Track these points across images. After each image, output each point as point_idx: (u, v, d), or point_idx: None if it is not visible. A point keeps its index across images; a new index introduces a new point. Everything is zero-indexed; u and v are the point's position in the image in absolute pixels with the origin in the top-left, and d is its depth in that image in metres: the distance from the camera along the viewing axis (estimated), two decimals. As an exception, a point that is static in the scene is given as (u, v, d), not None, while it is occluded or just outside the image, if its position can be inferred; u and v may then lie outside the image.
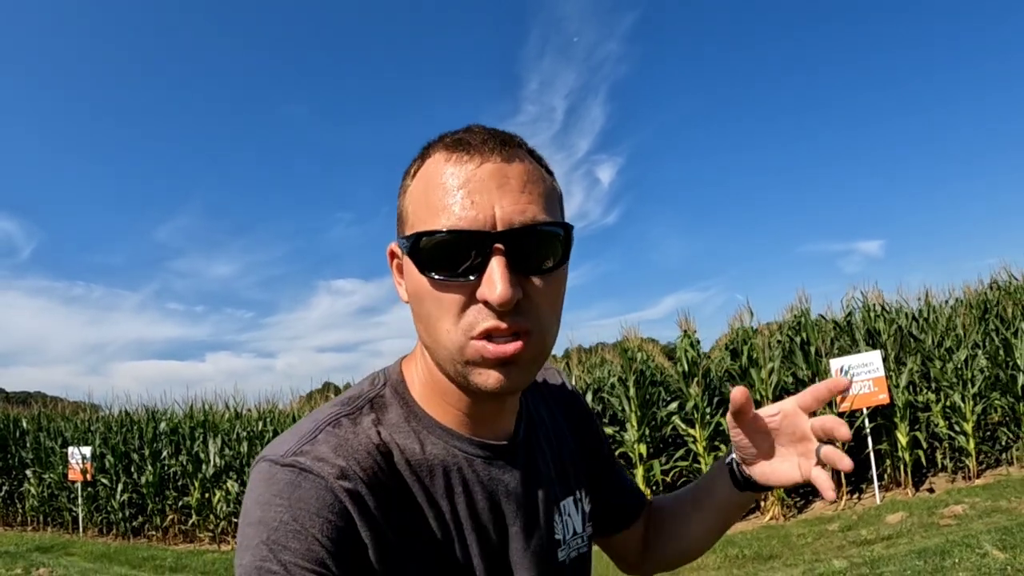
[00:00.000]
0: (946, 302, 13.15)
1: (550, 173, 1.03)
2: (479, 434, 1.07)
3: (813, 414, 1.16)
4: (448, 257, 0.92)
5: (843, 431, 1.07)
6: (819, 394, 1.14)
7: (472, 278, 0.92)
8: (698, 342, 11.94)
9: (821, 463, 1.12)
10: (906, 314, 12.43)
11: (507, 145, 0.97)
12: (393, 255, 1.07)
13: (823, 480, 1.10)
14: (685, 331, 11.98)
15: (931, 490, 10.48)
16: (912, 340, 11.73)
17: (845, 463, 1.07)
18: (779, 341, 12.04)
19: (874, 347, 11.40)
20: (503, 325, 0.92)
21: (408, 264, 0.98)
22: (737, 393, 1.14)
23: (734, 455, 1.25)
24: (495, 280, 0.89)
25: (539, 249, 0.94)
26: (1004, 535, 7.35)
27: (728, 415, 1.19)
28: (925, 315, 12.29)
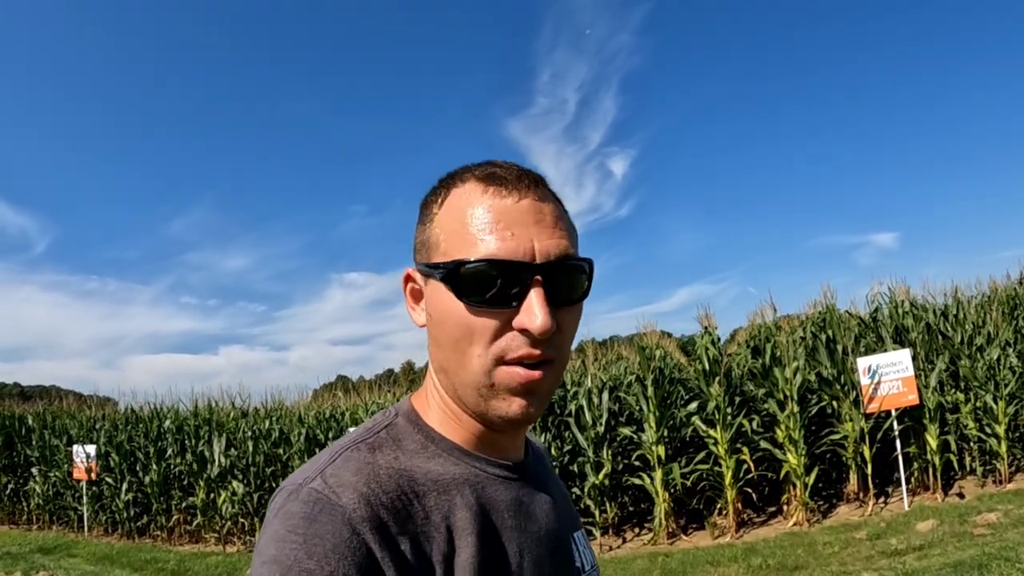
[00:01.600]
0: (973, 298, 12.72)
1: (567, 212, 1.08)
2: (493, 455, 1.07)
3: None
4: (488, 285, 0.94)
5: None
6: None
7: (514, 305, 0.95)
8: (718, 339, 11.54)
9: None
10: (934, 310, 12.03)
11: (539, 184, 1.02)
12: (409, 279, 1.09)
13: None
14: (706, 328, 11.59)
15: (960, 495, 10.10)
16: (940, 338, 11.33)
17: None
18: (802, 338, 11.66)
19: (902, 345, 11.04)
20: (536, 352, 0.95)
21: (438, 289, 0.99)
22: None
23: None
24: (536, 311, 0.93)
25: (570, 282, 1.00)
26: (1044, 547, 6.99)
27: None
28: (954, 311, 11.88)
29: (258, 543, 0.89)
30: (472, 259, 0.95)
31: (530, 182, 1.01)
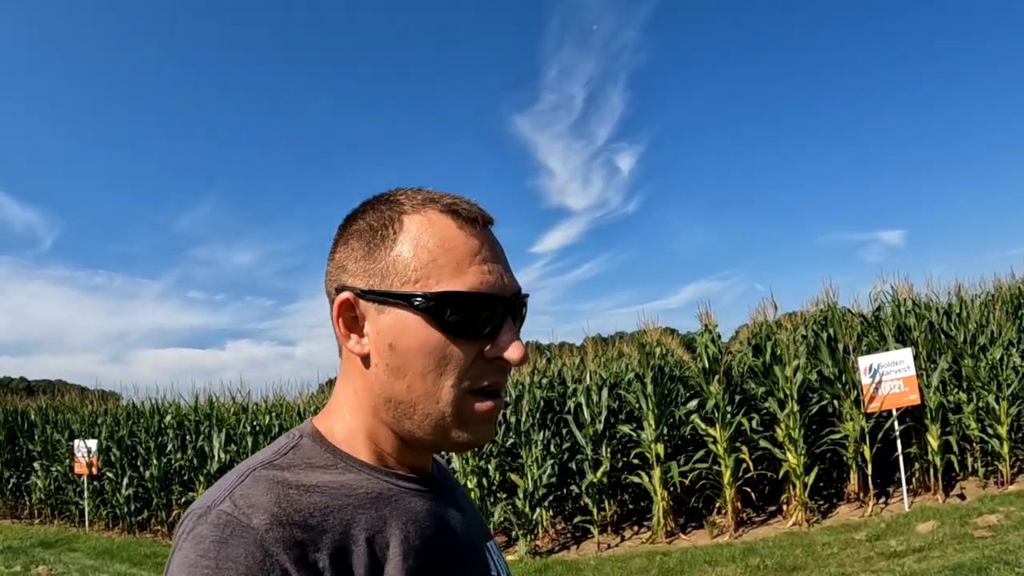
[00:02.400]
0: (977, 296, 12.63)
1: None
2: (402, 469, 1.06)
3: None
4: (474, 317, 0.97)
5: None
6: None
7: (486, 334, 0.98)
8: (719, 337, 11.48)
9: None
10: (936, 309, 11.96)
11: (490, 222, 1.06)
12: (348, 306, 1.02)
13: None
14: (706, 325, 11.52)
15: (962, 496, 10.04)
16: (943, 337, 11.26)
17: None
18: (803, 336, 11.60)
19: (904, 344, 10.98)
20: (503, 381, 1.01)
21: (405, 319, 0.98)
22: None
23: None
24: (514, 342, 0.99)
25: (524, 315, 1.07)
26: (1045, 550, 6.93)
27: None
28: (957, 310, 11.80)
29: (168, 569, 0.86)
30: (465, 292, 0.96)
31: (487, 219, 1.04)
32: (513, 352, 0.98)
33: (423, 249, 0.98)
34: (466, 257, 0.98)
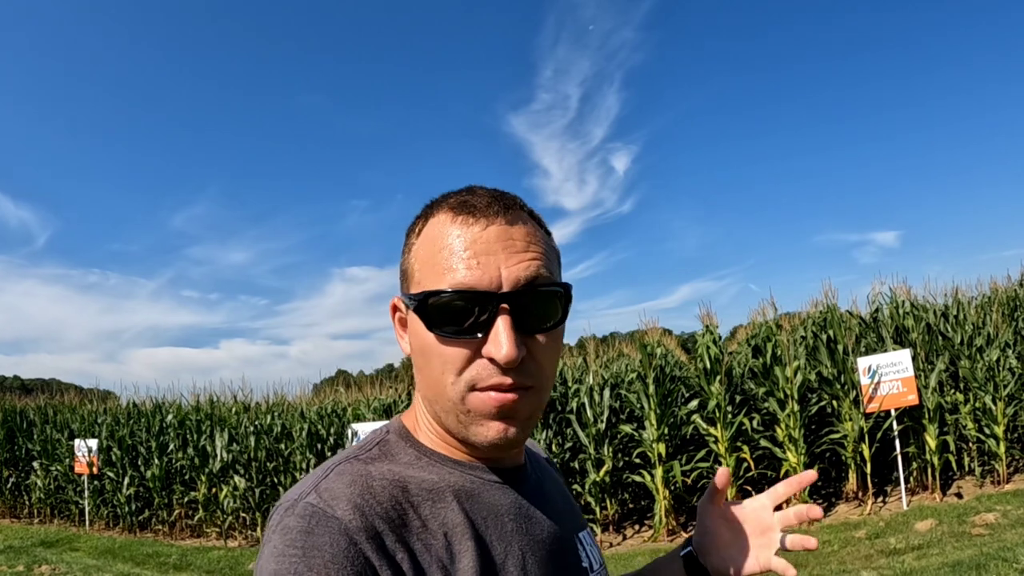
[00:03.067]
0: (974, 298, 12.75)
1: (548, 233, 1.08)
2: (489, 463, 1.07)
3: (779, 506, 1.26)
4: (455, 315, 0.95)
5: (817, 512, 1.22)
6: (788, 491, 1.26)
7: (479, 335, 0.95)
8: (720, 337, 11.58)
9: (784, 548, 1.21)
10: (934, 311, 12.07)
11: (510, 208, 1.01)
12: (396, 309, 1.10)
13: (784, 566, 1.19)
14: (707, 326, 11.62)
15: (959, 495, 10.15)
16: (941, 338, 11.37)
17: (811, 544, 1.20)
18: (803, 337, 11.70)
19: (902, 345, 11.09)
20: (507, 380, 0.95)
21: (414, 320, 1.01)
22: (722, 475, 1.23)
23: (692, 546, 1.29)
24: (502, 340, 0.93)
25: (541, 308, 0.98)
26: (1042, 548, 7.03)
27: (703, 498, 1.29)
28: (954, 312, 11.92)
29: (259, 560, 0.90)
30: (438, 290, 0.95)
31: (500, 207, 1.00)
32: (494, 349, 0.94)
33: (424, 250, 1.01)
34: (455, 254, 0.97)
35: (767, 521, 1.24)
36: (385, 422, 1.14)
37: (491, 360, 0.94)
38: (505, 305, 0.94)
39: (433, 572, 0.91)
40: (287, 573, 0.84)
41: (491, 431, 0.97)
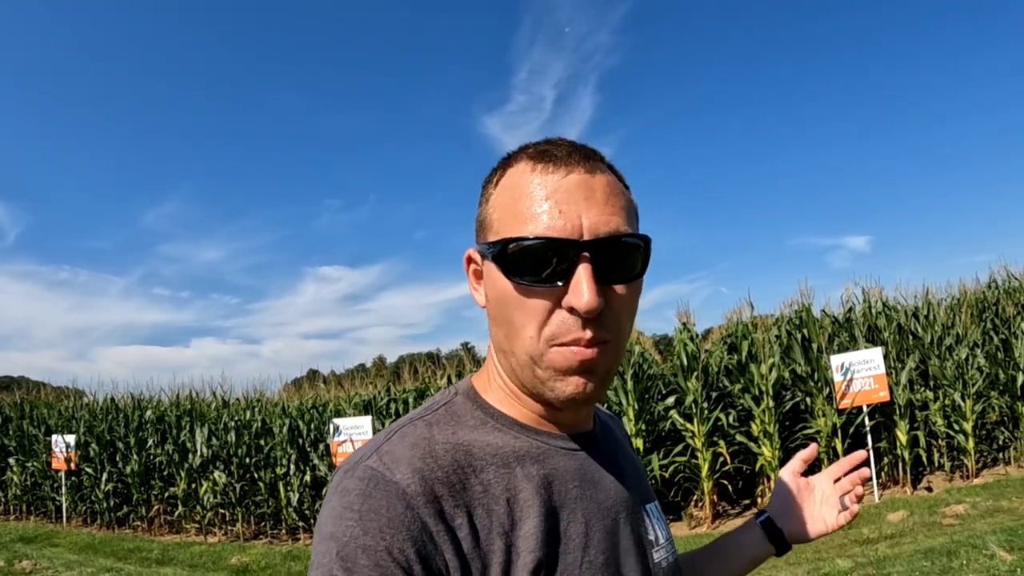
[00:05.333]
0: (944, 300, 13.07)
1: (627, 187, 1.06)
2: (557, 427, 1.06)
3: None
4: (536, 263, 0.93)
5: (866, 473, 1.47)
6: (844, 467, 1.49)
7: (559, 284, 0.93)
8: (697, 336, 11.80)
9: (844, 507, 1.44)
10: (905, 311, 12.37)
11: (591, 158, 1.00)
12: (471, 260, 1.08)
13: (847, 515, 1.44)
14: (684, 324, 11.84)
15: (929, 488, 10.41)
16: (911, 337, 11.66)
17: (857, 509, 1.44)
18: (777, 336, 11.94)
19: (874, 343, 11.33)
20: (587, 334, 0.93)
21: (491, 269, 0.99)
22: (811, 450, 1.49)
23: (769, 513, 1.46)
24: (583, 288, 0.91)
25: (622, 259, 0.97)
26: (1010, 536, 7.28)
27: (788, 468, 1.50)
28: (925, 313, 12.21)
29: (318, 521, 0.92)
30: (519, 237, 0.94)
31: (581, 157, 0.99)
32: (574, 297, 0.92)
33: (503, 199, 1.00)
34: (536, 202, 0.95)
35: (830, 490, 1.46)
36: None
37: (570, 311, 0.93)
38: (586, 253, 0.93)
39: (493, 538, 0.91)
40: (343, 535, 0.86)
41: (569, 386, 0.96)
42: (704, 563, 1.45)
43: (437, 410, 1.03)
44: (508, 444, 1.00)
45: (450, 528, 0.89)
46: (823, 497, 1.46)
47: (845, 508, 1.43)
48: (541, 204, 0.95)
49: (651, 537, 1.12)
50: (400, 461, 0.92)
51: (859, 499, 1.44)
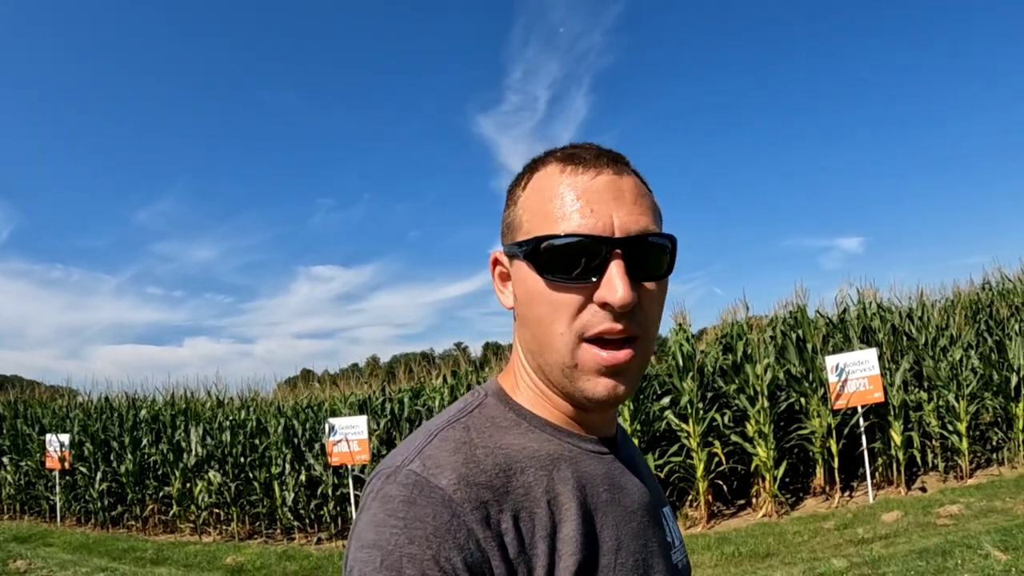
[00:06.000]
0: (938, 301, 13.12)
1: (650, 190, 1.08)
2: (585, 430, 1.07)
3: None
4: (569, 260, 0.95)
5: None
6: None
7: (594, 279, 0.95)
8: (692, 336, 11.83)
9: None
10: (900, 312, 12.41)
11: (618, 161, 1.03)
12: (497, 263, 1.10)
13: None
14: (680, 324, 11.87)
15: (923, 489, 10.44)
16: (906, 339, 11.70)
17: None
18: (772, 337, 11.97)
19: (868, 344, 11.36)
20: (618, 326, 0.95)
21: (522, 268, 1.01)
22: None
23: None
24: (616, 283, 0.93)
25: (651, 258, 0.99)
26: (1004, 536, 7.30)
27: None
28: (919, 314, 12.26)
29: (356, 526, 0.90)
30: (552, 235, 0.96)
31: (608, 160, 1.02)
32: (608, 292, 0.94)
33: (533, 200, 1.02)
34: (569, 201, 0.98)
35: None
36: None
37: (603, 306, 0.95)
38: (618, 251, 0.95)
39: (538, 541, 0.91)
40: (387, 544, 0.84)
41: (599, 387, 0.98)
42: None
43: (471, 412, 1.03)
44: (544, 447, 1.01)
45: (497, 534, 0.88)
46: None
47: None
48: (573, 204, 0.97)
49: (669, 539, 1.14)
50: (444, 466, 0.91)
51: None
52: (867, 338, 11.86)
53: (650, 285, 1.00)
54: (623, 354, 0.96)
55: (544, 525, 0.93)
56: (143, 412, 15.69)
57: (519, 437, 1.00)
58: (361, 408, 13.53)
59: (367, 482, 0.96)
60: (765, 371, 10.96)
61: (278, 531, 13.18)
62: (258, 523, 13.56)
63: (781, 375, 11.33)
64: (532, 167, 1.07)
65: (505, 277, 1.09)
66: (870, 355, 10.25)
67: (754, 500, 11.04)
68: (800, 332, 11.70)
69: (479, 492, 0.89)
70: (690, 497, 11.03)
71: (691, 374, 11.10)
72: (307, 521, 13.03)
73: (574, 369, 0.98)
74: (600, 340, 0.96)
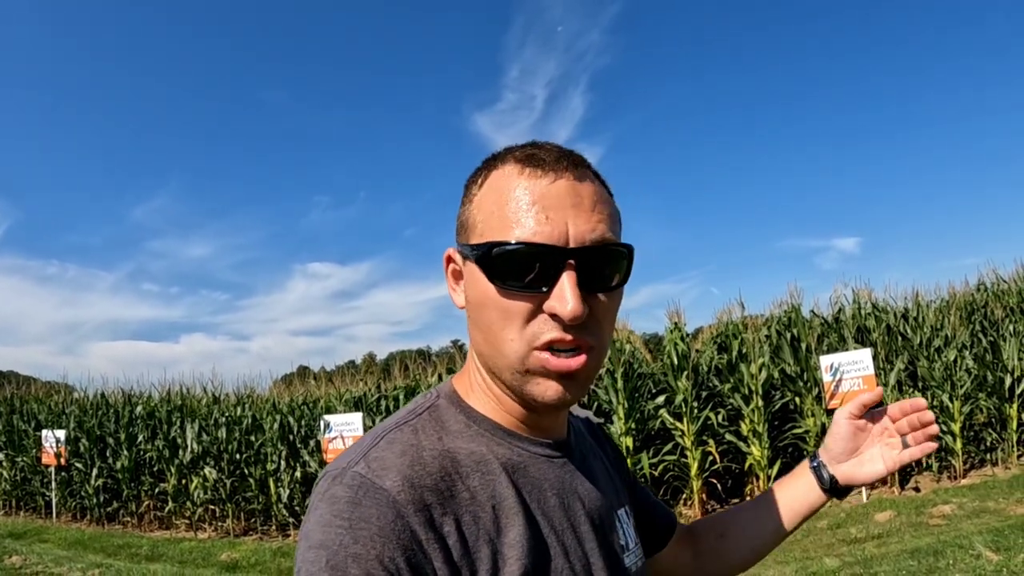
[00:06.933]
0: (932, 302, 13.15)
1: (611, 194, 1.06)
2: (537, 434, 1.06)
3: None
4: (520, 268, 0.94)
5: (922, 402, 1.31)
6: (906, 408, 1.31)
7: (544, 290, 0.94)
8: (687, 335, 11.85)
9: (906, 446, 1.30)
10: (894, 313, 12.43)
11: (578, 165, 1.00)
12: (450, 260, 1.08)
13: (916, 453, 1.30)
14: (675, 323, 11.89)
15: (916, 489, 10.46)
16: (900, 339, 11.72)
17: (934, 430, 1.29)
18: (767, 336, 11.99)
19: (863, 344, 11.39)
20: (568, 337, 0.94)
21: (473, 271, 0.99)
22: (876, 394, 1.34)
23: (821, 458, 1.39)
24: (567, 296, 0.92)
25: (607, 267, 0.98)
26: (996, 536, 7.32)
27: (844, 410, 1.37)
28: (914, 314, 12.28)
29: (304, 527, 0.90)
30: (504, 241, 0.94)
31: (569, 163, 0.99)
32: (558, 304, 0.93)
33: (488, 201, 0.99)
34: (523, 207, 0.95)
35: (884, 425, 1.33)
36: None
37: (553, 317, 0.94)
38: (572, 261, 0.93)
39: (480, 546, 0.92)
40: (333, 543, 0.84)
41: (549, 391, 0.97)
42: (752, 519, 1.43)
43: (421, 415, 1.03)
44: (492, 451, 1.00)
45: (440, 536, 0.89)
46: (879, 437, 1.34)
47: (906, 447, 1.30)
48: (528, 209, 0.95)
49: (622, 543, 1.14)
50: (389, 468, 0.91)
51: (932, 437, 1.29)
52: (862, 338, 11.89)
53: (603, 296, 0.98)
54: (574, 362, 0.95)
55: (488, 529, 0.93)
56: (139, 408, 15.68)
57: (468, 441, 1.00)
58: (356, 405, 13.55)
59: (316, 483, 0.96)
60: (760, 370, 10.99)
61: (273, 527, 13.21)
62: (253, 519, 13.57)
63: (776, 374, 11.35)
64: (490, 164, 1.04)
65: (458, 275, 1.07)
66: (864, 355, 10.26)
67: (748, 499, 11.05)
68: (795, 332, 11.72)
69: (423, 494, 0.90)
70: (684, 496, 11.05)
71: (686, 373, 11.13)
72: (302, 518, 13.01)
73: (524, 374, 0.97)
74: (550, 348, 0.95)
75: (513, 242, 0.94)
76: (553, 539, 0.99)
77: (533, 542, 0.96)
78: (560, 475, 1.06)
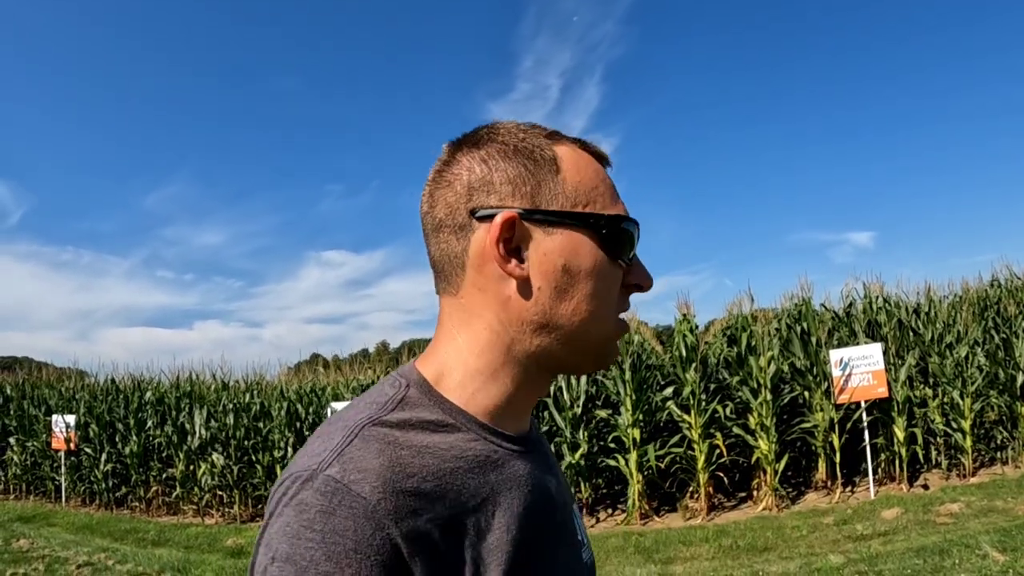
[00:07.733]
0: (945, 297, 13.05)
1: None
2: (508, 428, 1.00)
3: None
4: (630, 244, 1.01)
5: None
6: None
7: (630, 263, 1.02)
8: (697, 327, 11.79)
9: None
10: (906, 308, 12.34)
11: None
12: (510, 225, 0.94)
13: None
14: (684, 315, 11.81)
15: (925, 486, 10.39)
16: (912, 334, 11.63)
17: None
18: (777, 329, 11.92)
19: (873, 339, 11.31)
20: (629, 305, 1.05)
21: (576, 240, 0.97)
22: None
23: None
24: (647, 271, 1.04)
25: None
26: (1003, 536, 7.28)
27: None
28: (926, 310, 12.19)
29: (266, 534, 0.80)
30: (628, 217, 1.00)
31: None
32: (644, 281, 1.03)
33: (586, 175, 0.99)
34: (612, 188, 1.02)
35: None
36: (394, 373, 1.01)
37: (636, 288, 1.04)
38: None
39: (463, 550, 0.85)
40: (302, 559, 0.75)
41: (616, 353, 1.04)
42: None
43: (394, 408, 0.92)
44: (471, 447, 0.93)
45: (422, 547, 0.80)
46: None
47: None
48: (612, 188, 1.03)
49: (580, 537, 1.11)
50: (367, 471, 0.81)
51: None
52: (873, 333, 11.80)
53: None
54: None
55: (473, 533, 0.87)
56: (148, 394, 15.78)
57: (446, 436, 0.92)
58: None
59: (278, 482, 0.85)
60: (769, 364, 10.91)
61: (280, 515, 13.21)
62: (260, 506, 13.62)
63: (785, 368, 11.27)
64: (546, 136, 1.01)
65: (509, 244, 0.95)
66: (875, 350, 10.20)
67: (755, 493, 11.01)
68: (805, 325, 11.64)
69: (406, 500, 0.81)
70: (691, 488, 11.00)
71: (694, 365, 11.06)
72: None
73: (610, 340, 1.02)
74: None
75: (633, 219, 1.01)
76: (531, 535, 0.95)
77: (513, 544, 0.90)
78: (531, 471, 1.00)
